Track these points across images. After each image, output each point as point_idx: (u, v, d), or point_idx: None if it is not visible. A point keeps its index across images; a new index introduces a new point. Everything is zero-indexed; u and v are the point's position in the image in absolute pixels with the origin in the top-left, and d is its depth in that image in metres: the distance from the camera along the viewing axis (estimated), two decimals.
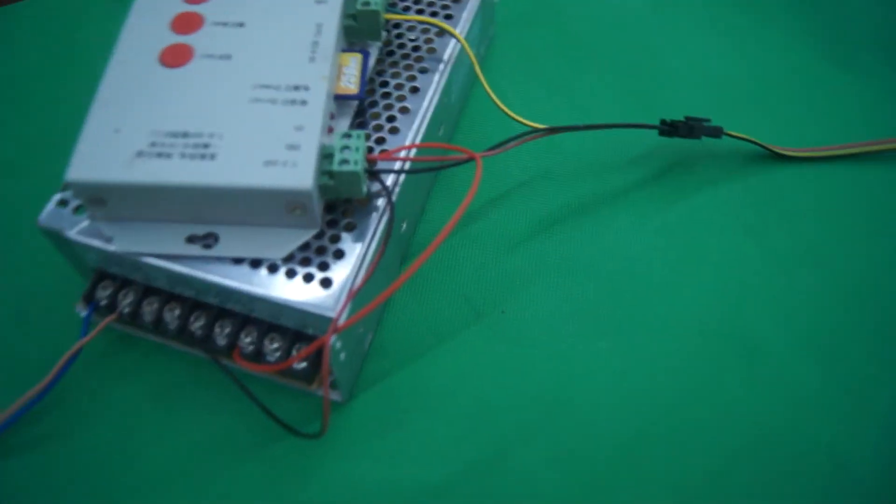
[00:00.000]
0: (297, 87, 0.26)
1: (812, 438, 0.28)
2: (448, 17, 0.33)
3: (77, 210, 0.27)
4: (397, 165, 0.28)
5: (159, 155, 0.24)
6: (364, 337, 0.29)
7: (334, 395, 0.29)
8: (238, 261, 0.26)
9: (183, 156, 0.24)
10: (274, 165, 0.24)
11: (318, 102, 0.25)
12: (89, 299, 0.28)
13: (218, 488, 0.27)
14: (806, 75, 0.38)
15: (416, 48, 0.31)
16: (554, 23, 0.41)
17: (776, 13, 0.41)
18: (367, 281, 0.25)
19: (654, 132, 0.34)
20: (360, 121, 0.29)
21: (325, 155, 0.25)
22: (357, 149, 0.25)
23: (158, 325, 0.28)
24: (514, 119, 0.31)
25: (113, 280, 0.28)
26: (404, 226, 0.31)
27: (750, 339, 0.30)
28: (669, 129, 0.34)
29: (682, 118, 0.34)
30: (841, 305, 0.31)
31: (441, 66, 0.31)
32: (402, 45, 0.32)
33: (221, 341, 0.27)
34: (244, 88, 0.26)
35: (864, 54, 0.39)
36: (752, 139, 0.34)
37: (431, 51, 0.31)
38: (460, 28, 0.32)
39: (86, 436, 0.28)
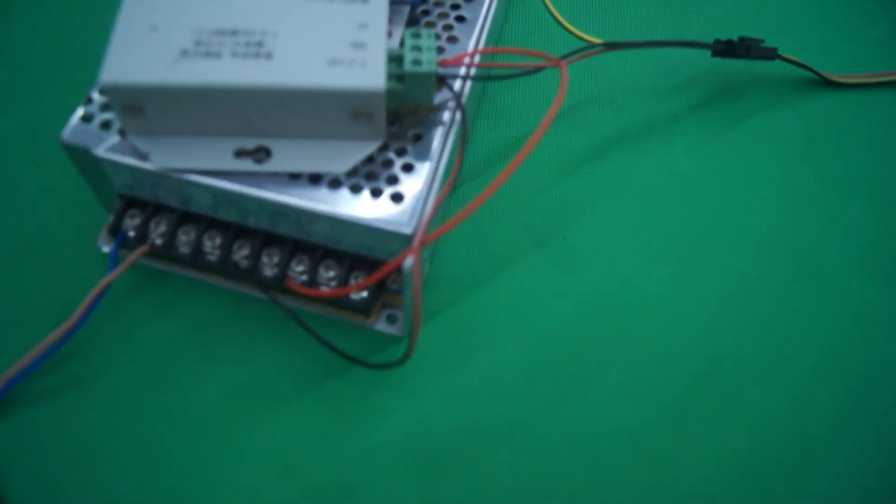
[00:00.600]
0: None
1: (880, 358, 0.27)
2: None
3: (104, 127, 0.24)
4: (462, 71, 0.25)
5: (207, 54, 0.22)
6: (425, 265, 0.27)
7: (393, 329, 0.26)
8: (295, 176, 0.23)
9: (234, 55, 0.22)
10: (340, 65, 0.22)
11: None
12: (116, 230, 0.25)
13: (270, 430, 0.25)
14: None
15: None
16: None
17: None
18: (448, 190, 0.22)
19: (704, 54, 0.32)
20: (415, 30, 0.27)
21: (393, 56, 0.23)
22: (429, 48, 0.22)
23: (197, 256, 0.25)
24: (571, 32, 0.29)
25: (142, 208, 0.25)
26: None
27: (811, 260, 0.29)
28: (724, 48, 0.32)
29: (736, 38, 0.32)
30: None
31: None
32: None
33: (269, 271, 0.24)
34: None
35: None
36: (805, 63, 0.33)
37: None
38: None
39: (116, 381, 0.25)
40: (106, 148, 0.23)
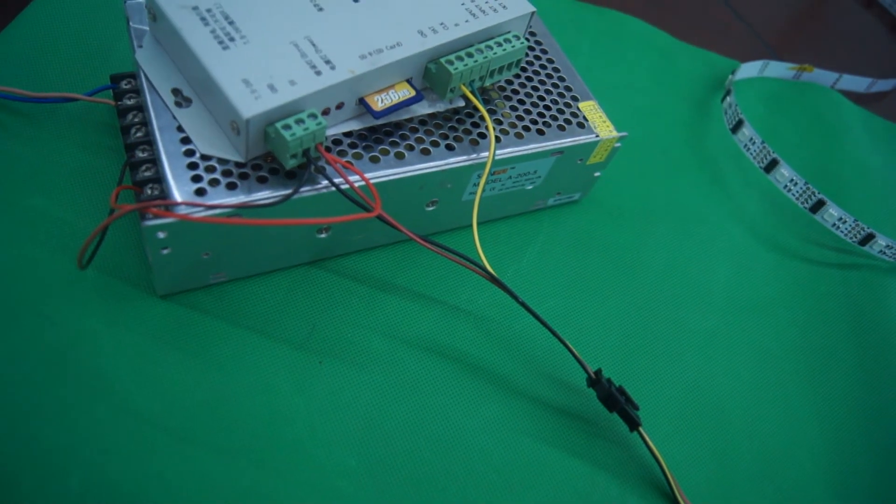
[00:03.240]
0: (328, 62, 0.29)
1: None
2: (521, 133, 0.34)
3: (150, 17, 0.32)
4: (337, 179, 0.29)
5: (202, 19, 0.29)
6: (207, 266, 0.30)
7: (157, 284, 0.31)
8: (181, 130, 0.29)
9: (213, 32, 0.28)
10: (247, 86, 0.27)
11: (326, 81, 0.28)
12: (115, 80, 0.33)
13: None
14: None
15: (467, 132, 0.33)
16: (633, 235, 0.40)
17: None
18: (205, 218, 0.26)
19: (584, 374, 0.32)
20: (375, 137, 0.31)
21: (287, 114, 0.27)
22: (306, 128, 0.27)
23: (125, 133, 0.31)
24: (475, 243, 0.31)
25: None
26: (323, 235, 0.32)
27: None
28: (595, 381, 0.31)
29: (619, 385, 0.31)
30: None
31: (462, 158, 0.32)
32: (460, 121, 0.33)
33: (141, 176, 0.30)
34: (297, 29, 0.29)
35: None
36: (663, 463, 0.31)
37: (474, 143, 0.33)
38: (505, 151, 0.33)
39: (19, 150, 0.33)
40: (134, 26, 0.31)
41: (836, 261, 0.44)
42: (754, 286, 0.41)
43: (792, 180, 0.43)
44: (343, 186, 0.29)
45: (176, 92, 0.30)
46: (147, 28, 0.31)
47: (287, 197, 0.28)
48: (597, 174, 0.39)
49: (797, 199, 0.44)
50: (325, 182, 0.29)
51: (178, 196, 0.27)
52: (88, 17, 0.38)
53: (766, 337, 0.39)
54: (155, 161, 0.30)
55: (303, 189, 0.28)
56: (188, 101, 0.29)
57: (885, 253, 0.44)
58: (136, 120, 0.31)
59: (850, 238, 0.44)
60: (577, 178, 0.38)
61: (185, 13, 0.29)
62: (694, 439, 0.34)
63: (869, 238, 0.43)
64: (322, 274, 0.33)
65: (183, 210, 0.27)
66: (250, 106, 0.27)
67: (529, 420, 0.32)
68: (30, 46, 0.36)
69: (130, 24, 0.31)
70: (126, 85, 0.32)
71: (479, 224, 0.32)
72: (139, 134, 0.31)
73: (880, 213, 0.48)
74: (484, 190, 0.34)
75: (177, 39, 0.29)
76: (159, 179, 0.29)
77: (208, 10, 0.29)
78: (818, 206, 0.43)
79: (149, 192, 0.29)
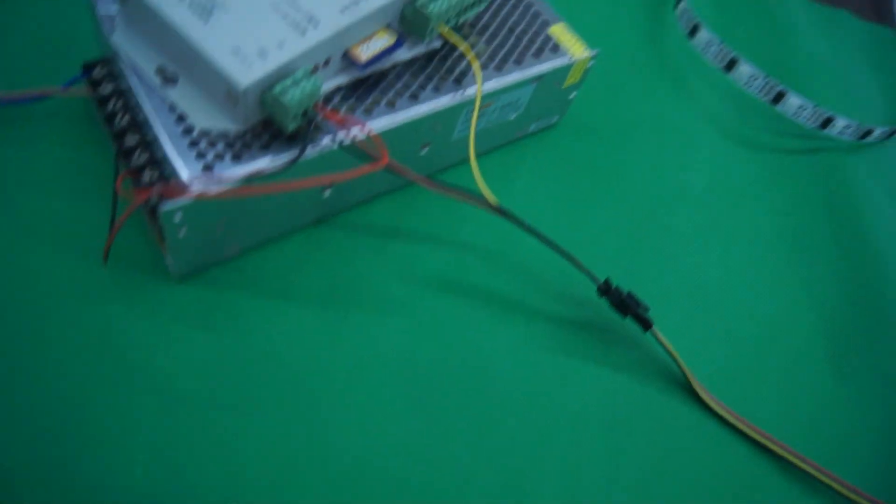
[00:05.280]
0: (311, 19, 0.29)
1: None
2: (499, 66, 0.34)
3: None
4: (339, 135, 0.30)
5: None
6: (223, 242, 0.31)
7: (171, 266, 0.31)
8: (173, 109, 0.29)
9: (190, 6, 0.28)
10: (237, 56, 0.27)
11: (312, 39, 0.28)
12: (87, 69, 0.32)
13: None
14: (781, 344, 0.37)
15: (449, 71, 0.33)
16: (612, 148, 0.42)
17: (804, 278, 0.39)
18: (220, 193, 0.27)
19: (593, 286, 0.34)
20: (364, 90, 0.32)
21: (280, 77, 0.28)
22: (303, 89, 0.27)
23: (109, 122, 0.31)
24: (475, 178, 0.32)
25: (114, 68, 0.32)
26: (327, 193, 0.32)
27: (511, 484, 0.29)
28: (606, 289, 0.33)
29: (627, 291, 0.33)
30: None
31: (451, 97, 0.33)
32: (442, 60, 0.34)
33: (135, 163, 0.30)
34: None
35: (866, 375, 0.37)
36: (676, 355, 0.33)
37: (458, 82, 0.33)
38: (492, 82, 0.34)
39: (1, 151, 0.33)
40: (103, 12, 0.31)
41: (802, 147, 0.47)
42: (732, 180, 0.43)
43: (752, 76, 0.45)
44: (346, 142, 0.29)
45: (160, 71, 0.29)
46: (113, 13, 0.31)
47: (295, 160, 0.28)
48: (572, 95, 0.40)
49: (759, 93, 0.46)
50: (327, 140, 0.29)
51: (186, 174, 0.27)
52: (40, 9, 0.37)
53: (750, 226, 0.41)
54: (147, 145, 0.30)
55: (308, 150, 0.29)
56: (174, 79, 0.29)
57: (844, 133, 0.47)
58: (118, 106, 0.31)
59: (812, 124, 0.46)
60: (555, 101, 0.39)
61: None
62: (700, 330, 0.36)
63: (828, 121, 0.46)
64: (329, 231, 0.34)
65: (197, 188, 0.27)
66: (245, 74, 0.27)
67: (548, 338, 0.34)
68: None
69: (97, 9, 0.31)
70: (101, 72, 0.32)
71: (453, 166, 0.33)
72: (124, 120, 0.31)
73: (834, 97, 0.50)
74: (452, 128, 0.35)
75: (153, 18, 0.28)
76: (156, 161, 0.29)
77: None
78: (779, 97, 0.45)
79: (147, 177, 0.29)
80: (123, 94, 0.31)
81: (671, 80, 0.48)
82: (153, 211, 0.28)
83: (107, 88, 0.32)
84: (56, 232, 0.31)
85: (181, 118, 0.29)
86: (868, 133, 0.47)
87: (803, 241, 0.42)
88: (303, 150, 0.28)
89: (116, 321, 0.30)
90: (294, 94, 0.27)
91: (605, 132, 0.43)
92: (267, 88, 0.28)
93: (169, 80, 0.29)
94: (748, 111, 0.48)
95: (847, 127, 0.46)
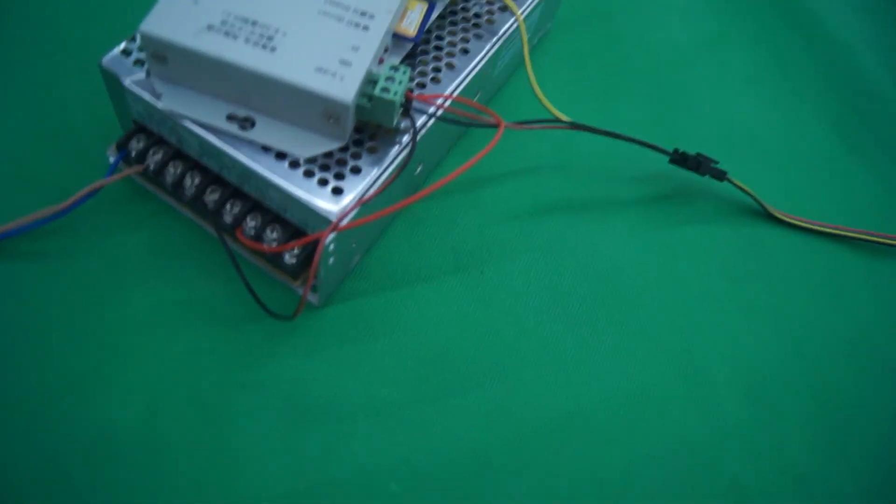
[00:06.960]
0: (363, 13, 0.28)
1: (721, 468, 0.31)
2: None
3: (137, 63, 0.29)
4: (430, 110, 0.30)
5: (227, 34, 0.27)
6: (353, 254, 0.31)
7: (312, 298, 0.31)
8: (266, 149, 0.28)
9: (247, 41, 0.27)
10: (324, 73, 0.27)
11: (378, 32, 0.28)
12: (122, 147, 0.31)
13: (185, 343, 0.30)
14: (821, 153, 0.41)
15: (477, 15, 0.34)
16: (607, 36, 0.44)
17: (816, 91, 0.44)
18: (373, 197, 0.27)
19: (665, 158, 0.36)
20: (409, 63, 0.32)
21: (371, 80, 0.27)
22: (400, 82, 0.27)
23: (177, 188, 0.30)
24: (543, 104, 0.33)
25: (148, 136, 0.30)
26: (420, 168, 0.33)
27: (696, 367, 0.33)
28: (679, 158, 0.36)
29: (694, 153, 0.36)
30: (781, 361, 0.34)
31: (494, 38, 0.33)
32: (465, 10, 0.34)
33: (228, 218, 0.29)
34: (318, 0, 0.28)
35: (878, 151, 0.42)
36: (751, 192, 0.37)
37: (490, 22, 0.34)
38: (522, 9, 0.35)
39: (85, 263, 0.31)
40: (132, 80, 0.29)
41: None
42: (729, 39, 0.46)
43: None
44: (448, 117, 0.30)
45: (232, 118, 0.28)
46: (144, 77, 0.29)
47: (412, 151, 0.28)
48: None
49: None
50: (421, 122, 0.30)
51: (325, 206, 0.27)
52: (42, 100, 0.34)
53: (757, 70, 0.45)
54: (232, 197, 0.29)
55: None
56: (251, 120, 0.28)
57: None
58: (180, 170, 0.30)
59: None
60: (551, 10, 0.40)
61: (207, 36, 0.27)
62: (759, 166, 0.40)
63: None
64: (420, 206, 0.35)
65: (350, 215, 0.27)
66: (344, 89, 0.26)
67: (647, 217, 0.37)
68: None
69: (123, 81, 0.29)
70: (138, 145, 0.30)
71: (491, 98, 0.33)
72: (196, 180, 0.30)
73: None
74: (495, 66, 0.36)
75: (210, 68, 0.27)
76: (251, 210, 0.29)
77: (224, 23, 0.27)
78: None
79: (270, 233, 0.29)
80: (176, 158, 0.30)
81: None
82: (277, 257, 0.28)
83: (155, 158, 0.30)
84: (195, 313, 0.30)
85: (281, 156, 0.28)
86: None
87: (792, 79, 0.46)
88: (414, 138, 0.29)
89: (288, 365, 0.30)
90: (397, 89, 0.27)
91: (594, 20, 0.44)
92: (364, 94, 0.27)
93: (246, 123, 0.28)
94: None
95: None
